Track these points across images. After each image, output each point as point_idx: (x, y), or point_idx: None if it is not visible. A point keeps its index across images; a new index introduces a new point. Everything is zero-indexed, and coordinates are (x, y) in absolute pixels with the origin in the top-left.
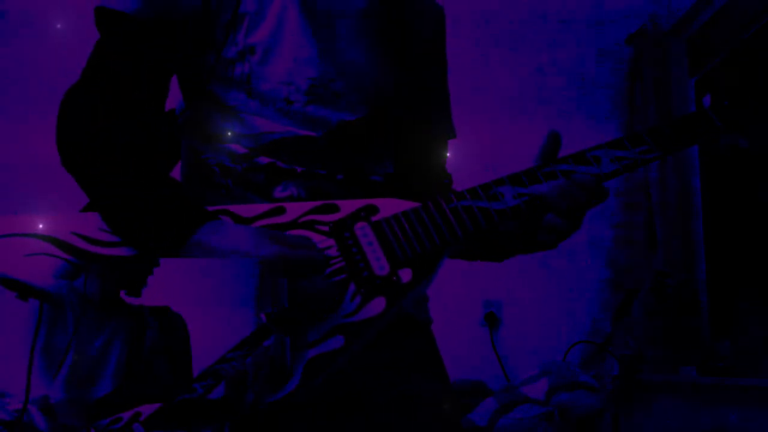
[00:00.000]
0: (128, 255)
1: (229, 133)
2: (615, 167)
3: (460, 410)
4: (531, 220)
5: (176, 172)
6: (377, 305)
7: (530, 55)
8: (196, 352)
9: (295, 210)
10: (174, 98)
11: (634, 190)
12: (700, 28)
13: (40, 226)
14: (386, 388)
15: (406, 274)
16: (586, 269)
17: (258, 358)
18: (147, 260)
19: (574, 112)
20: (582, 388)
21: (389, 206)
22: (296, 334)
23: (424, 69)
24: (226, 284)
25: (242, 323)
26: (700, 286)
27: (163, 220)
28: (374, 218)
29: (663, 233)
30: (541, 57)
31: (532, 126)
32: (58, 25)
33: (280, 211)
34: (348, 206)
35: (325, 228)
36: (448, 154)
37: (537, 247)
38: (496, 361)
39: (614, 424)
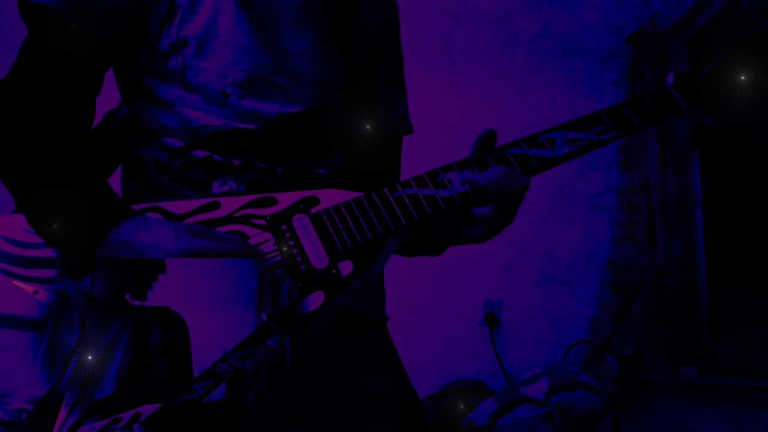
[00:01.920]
0: (53, 257)
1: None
2: (569, 149)
3: (422, 414)
4: (458, 214)
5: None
6: (316, 299)
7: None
8: (196, 352)
9: (230, 204)
10: (115, 97)
11: (634, 190)
12: (700, 28)
13: None
14: (341, 393)
15: (346, 267)
16: (586, 269)
17: (257, 358)
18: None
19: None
20: (582, 388)
21: (331, 197)
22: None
23: (375, 60)
24: (226, 284)
25: (242, 323)
26: (700, 286)
27: (83, 217)
28: (314, 210)
29: (663, 233)
30: (539, 48)
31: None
32: None
33: (215, 206)
34: (287, 199)
35: (263, 222)
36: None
37: (465, 240)
38: (496, 361)
39: (614, 424)
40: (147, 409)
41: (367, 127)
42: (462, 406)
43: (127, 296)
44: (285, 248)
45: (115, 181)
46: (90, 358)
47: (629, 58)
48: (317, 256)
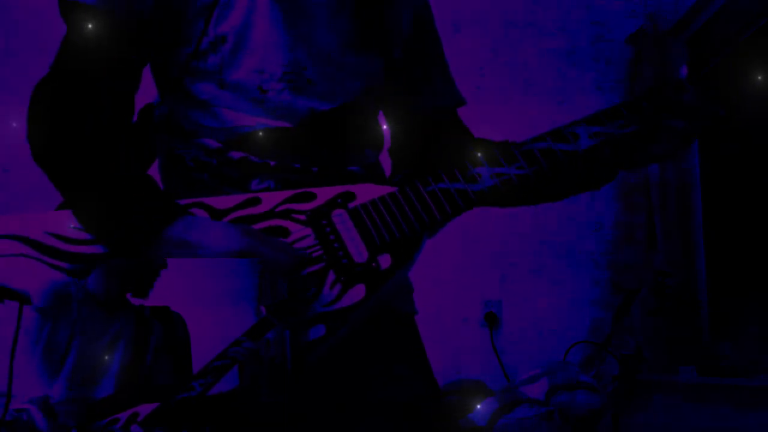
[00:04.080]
0: (102, 252)
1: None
2: (593, 143)
3: (444, 406)
4: (650, 123)
5: (154, 168)
6: (357, 293)
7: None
8: (196, 352)
9: (271, 200)
10: (152, 92)
11: (634, 190)
12: (700, 28)
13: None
14: (370, 387)
15: (385, 261)
16: (586, 269)
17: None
18: (144, 259)
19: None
20: (582, 388)
21: (366, 192)
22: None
23: (411, 48)
24: (227, 284)
25: (242, 323)
26: (700, 286)
27: (134, 215)
28: (351, 204)
29: (663, 233)
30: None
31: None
32: None
33: (256, 201)
34: (325, 194)
35: (302, 217)
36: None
37: (647, 160)
38: (496, 361)
39: (614, 424)
40: (145, 409)
41: (414, 109)
42: (462, 406)
43: (128, 295)
44: (326, 243)
45: (152, 174)
46: (88, 357)
47: (629, 58)
48: (357, 250)
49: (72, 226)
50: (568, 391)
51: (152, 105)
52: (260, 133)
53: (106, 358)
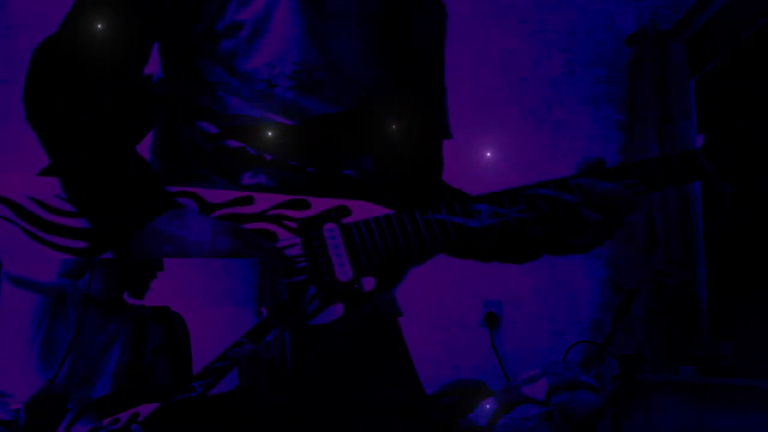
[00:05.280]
0: (85, 228)
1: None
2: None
3: (428, 407)
4: (564, 221)
5: (146, 143)
6: (334, 311)
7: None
8: (196, 352)
9: (264, 201)
10: (153, 64)
11: None
12: (700, 28)
13: None
14: (352, 390)
15: (368, 283)
16: (586, 269)
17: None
18: (149, 263)
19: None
20: (582, 388)
21: (362, 209)
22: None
23: (421, 66)
24: (226, 284)
25: (243, 324)
26: (700, 286)
27: (123, 199)
28: (345, 220)
29: (663, 233)
30: (538, 52)
31: (530, 127)
32: None
33: (248, 200)
34: (319, 204)
35: (293, 224)
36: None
37: (569, 250)
38: (496, 361)
39: (614, 424)
40: (145, 409)
41: (402, 131)
42: (462, 406)
43: (125, 295)
44: (312, 256)
45: (143, 148)
46: (85, 357)
47: (629, 58)
48: (342, 269)
49: (57, 195)
50: (568, 391)
51: (151, 76)
52: (261, 126)
53: (103, 358)
